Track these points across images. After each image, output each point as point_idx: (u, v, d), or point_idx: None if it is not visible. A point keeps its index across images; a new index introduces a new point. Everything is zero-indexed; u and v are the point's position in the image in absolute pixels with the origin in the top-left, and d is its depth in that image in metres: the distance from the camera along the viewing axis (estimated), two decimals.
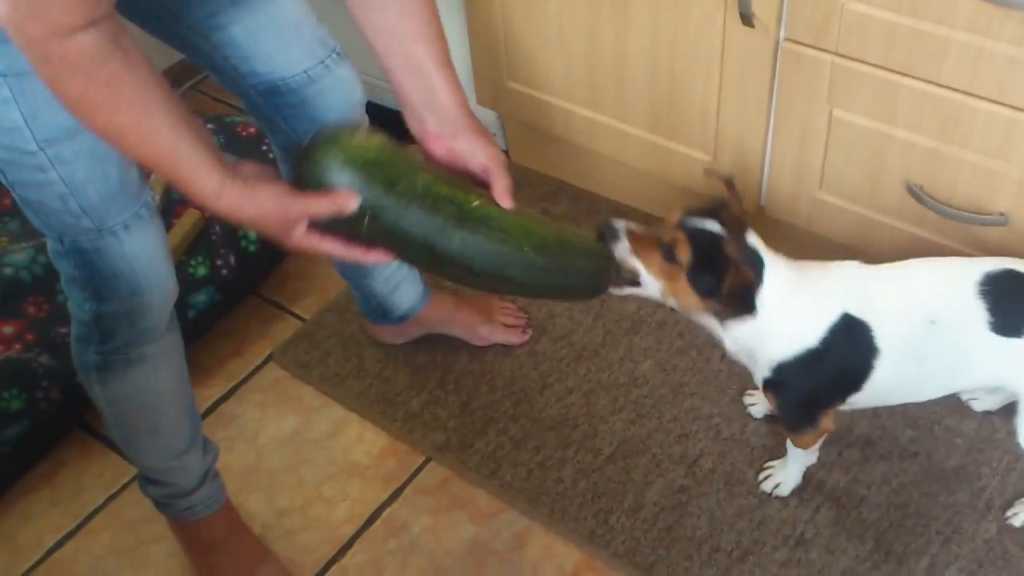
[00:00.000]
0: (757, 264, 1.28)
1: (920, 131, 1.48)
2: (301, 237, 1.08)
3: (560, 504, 1.60)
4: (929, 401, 1.63)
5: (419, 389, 1.78)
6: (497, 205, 1.14)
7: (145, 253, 1.21)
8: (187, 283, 1.79)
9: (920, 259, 1.36)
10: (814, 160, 1.62)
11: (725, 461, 1.63)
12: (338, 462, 1.71)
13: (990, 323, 1.27)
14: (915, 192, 1.53)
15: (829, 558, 1.50)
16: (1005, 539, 1.49)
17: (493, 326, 1.82)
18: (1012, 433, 1.43)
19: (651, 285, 1.31)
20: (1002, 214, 1.47)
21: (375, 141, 1.12)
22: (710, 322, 1.35)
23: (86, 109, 0.97)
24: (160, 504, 1.51)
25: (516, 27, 1.84)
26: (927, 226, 1.56)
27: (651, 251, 1.28)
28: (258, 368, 1.86)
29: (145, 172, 1.20)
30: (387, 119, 2.26)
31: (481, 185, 1.16)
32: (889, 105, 1.48)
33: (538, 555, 1.57)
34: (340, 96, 1.41)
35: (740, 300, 1.27)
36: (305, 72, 1.35)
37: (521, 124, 2.06)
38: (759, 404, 1.67)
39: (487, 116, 2.12)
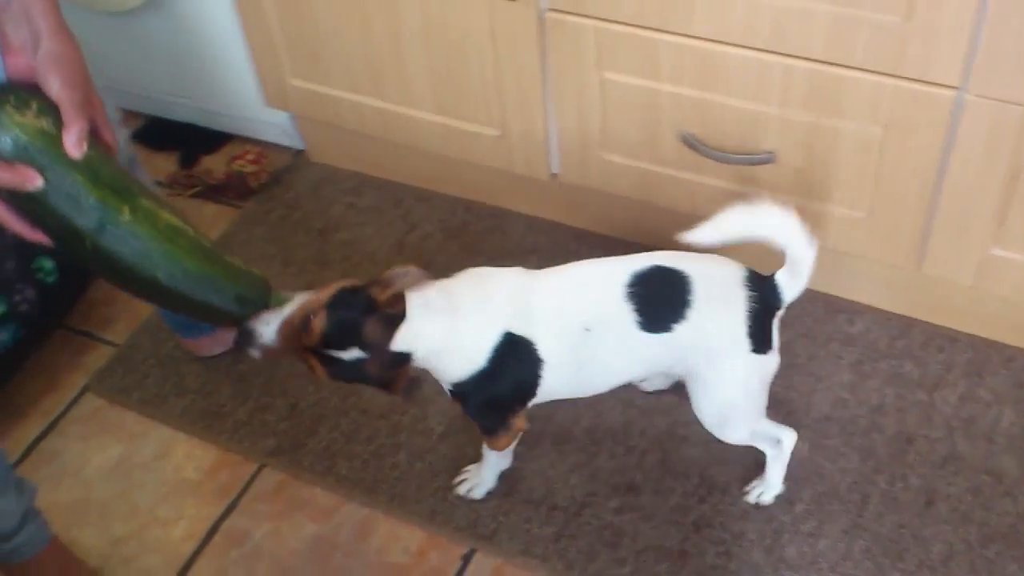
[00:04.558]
0: (399, 359, 1.28)
1: (684, 83, 1.55)
2: None
3: (398, 489, 1.62)
4: None
5: (244, 398, 1.77)
6: (153, 220, 1.11)
7: None
8: None
9: (578, 263, 1.37)
10: (594, 123, 1.68)
11: (552, 423, 1.68)
12: (169, 482, 1.68)
13: (639, 323, 1.30)
14: (689, 141, 1.61)
15: (658, 499, 1.57)
16: (817, 456, 1.59)
17: None
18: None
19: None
20: (769, 152, 1.57)
21: (40, 124, 1.03)
22: None
23: None
24: None
25: (290, 22, 1.84)
26: (706, 172, 1.64)
27: (293, 357, 1.28)
28: (75, 401, 1.81)
29: None
30: (177, 134, 2.25)
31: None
32: (652, 62, 1.55)
33: (382, 541, 1.58)
34: None
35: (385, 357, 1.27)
36: None
37: (314, 121, 2.06)
38: None
39: (279, 117, 2.11)
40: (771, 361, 1.36)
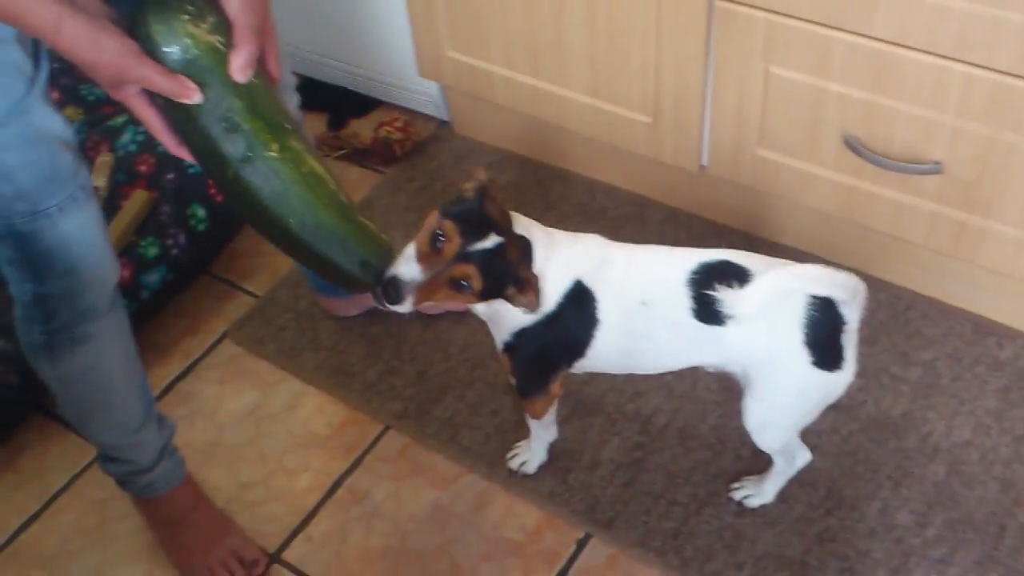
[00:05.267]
0: (528, 248, 1.30)
1: (855, 84, 1.51)
2: (129, 95, 1.03)
3: None
4: (874, 351, 1.69)
5: (375, 359, 1.80)
6: (298, 163, 1.08)
7: (80, 234, 1.20)
8: (139, 263, 1.80)
9: (656, 246, 1.38)
10: (753, 118, 1.65)
11: (678, 417, 1.66)
12: (298, 434, 1.73)
13: (693, 310, 1.29)
14: (852, 144, 1.56)
15: (783, 507, 1.54)
16: (953, 481, 1.54)
17: None
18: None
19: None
20: (937, 162, 1.51)
21: (212, 39, 1.01)
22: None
23: None
24: (122, 482, 1.52)
25: None
26: (865, 177, 1.60)
27: (441, 290, 1.25)
28: (214, 345, 1.87)
29: (81, 155, 1.20)
30: (328, 96, 2.29)
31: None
32: (823, 59, 1.51)
33: (499, 515, 1.59)
34: None
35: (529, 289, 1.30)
36: None
37: (464, 94, 2.07)
38: None
39: (429, 87, 2.13)
40: (838, 379, 1.31)
